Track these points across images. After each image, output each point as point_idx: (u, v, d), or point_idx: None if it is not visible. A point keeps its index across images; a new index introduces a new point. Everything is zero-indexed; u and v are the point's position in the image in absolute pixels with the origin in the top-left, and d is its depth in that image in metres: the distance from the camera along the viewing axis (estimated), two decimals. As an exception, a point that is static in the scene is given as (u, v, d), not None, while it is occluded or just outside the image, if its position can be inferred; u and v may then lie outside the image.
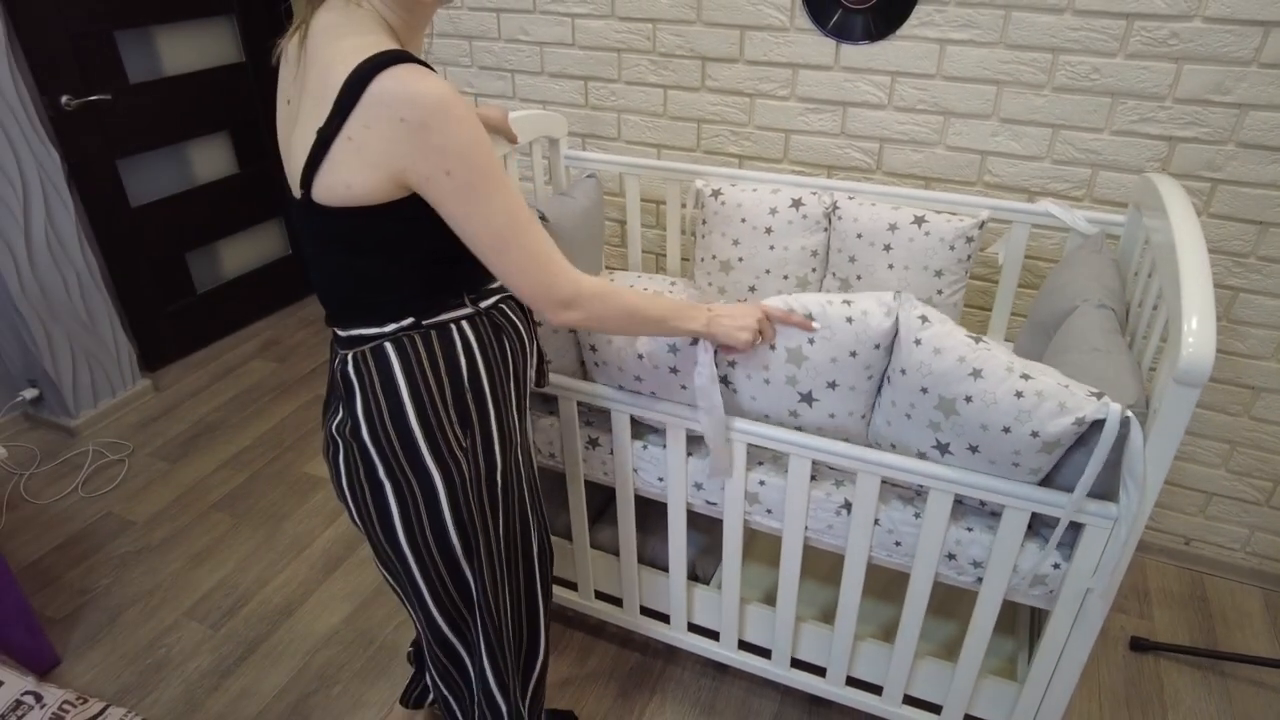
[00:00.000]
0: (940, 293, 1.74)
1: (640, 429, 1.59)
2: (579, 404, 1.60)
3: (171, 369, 3.00)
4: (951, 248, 1.70)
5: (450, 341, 1.09)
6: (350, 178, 0.94)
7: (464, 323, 1.11)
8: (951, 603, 1.83)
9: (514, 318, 1.20)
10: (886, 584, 1.89)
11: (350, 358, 1.08)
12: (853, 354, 1.28)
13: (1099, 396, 1.14)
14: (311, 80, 0.96)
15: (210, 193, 3.04)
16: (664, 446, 1.55)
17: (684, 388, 1.41)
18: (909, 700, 1.60)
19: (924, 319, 1.23)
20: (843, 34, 1.88)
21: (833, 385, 1.32)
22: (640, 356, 1.41)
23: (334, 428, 1.13)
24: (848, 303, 1.28)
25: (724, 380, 1.41)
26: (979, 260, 2.01)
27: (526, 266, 1.01)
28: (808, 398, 1.35)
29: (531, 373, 1.28)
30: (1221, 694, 1.81)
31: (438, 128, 0.90)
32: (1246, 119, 1.66)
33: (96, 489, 2.44)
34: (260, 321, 3.38)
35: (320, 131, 0.93)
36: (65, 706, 1.71)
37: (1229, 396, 1.92)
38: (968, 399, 1.20)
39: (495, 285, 1.18)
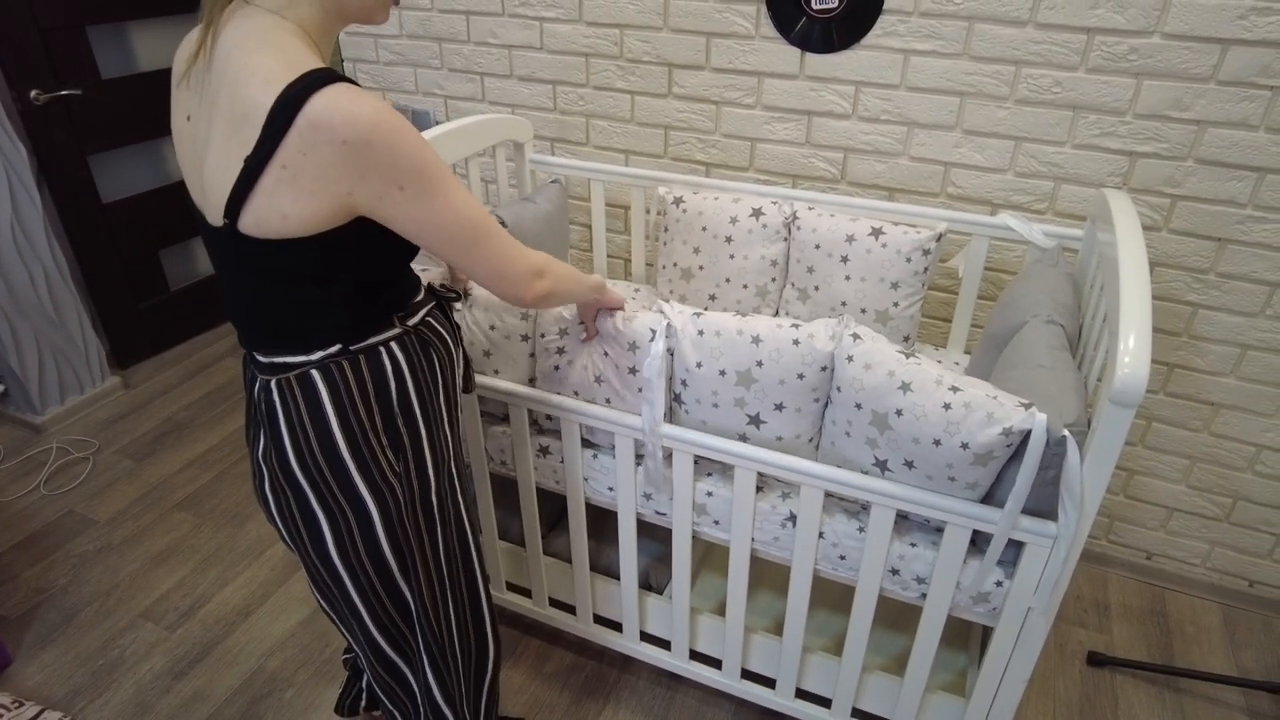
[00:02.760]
0: (896, 305, 1.73)
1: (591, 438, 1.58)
2: (530, 412, 1.59)
3: (143, 366, 2.98)
4: (908, 260, 1.70)
5: (380, 366, 1.06)
6: (286, 207, 0.89)
7: (393, 344, 1.08)
8: (905, 617, 1.83)
9: (440, 329, 1.18)
10: (842, 596, 1.89)
11: (274, 385, 1.04)
12: (800, 376, 1.28)
13: (1027, 407, 1.14)
14: (223, 100, 0.90)
15: (185, 190, 3.03)
16: (614, 456, 1.54)
17: (641, 390, 1.41)
18: (858, 714, 1.60)
19: (855, 336, 1.23)
20: (807, 43, 1.87)
21: (780, 407, 1.32)
22: (605, 354, 1.40)
23: (259, 456, 1.09)
24: (796, 326, 1.28)
25: (676, 399, 1.41)
26: (940, 271, 2.00)
27: (495, 256, 1.03)
28: (755, 420, 1.35)
29: (459, 379, 1.27)
30: (1176, 710, 1.81)
31: (383, 145, 0.88)
32: (1205, 135, 1.66)
33: (59, 487, 2.43)
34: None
35: (248, 160, 0.88)
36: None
37: (1189, 412, 1.92)
38: (899, 413, 1.19)
39: (421, 298, 1.15)
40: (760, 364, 1.30)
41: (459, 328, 1.32)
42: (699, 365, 1.34)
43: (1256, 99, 1.59)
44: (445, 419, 1.19)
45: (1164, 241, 1.78)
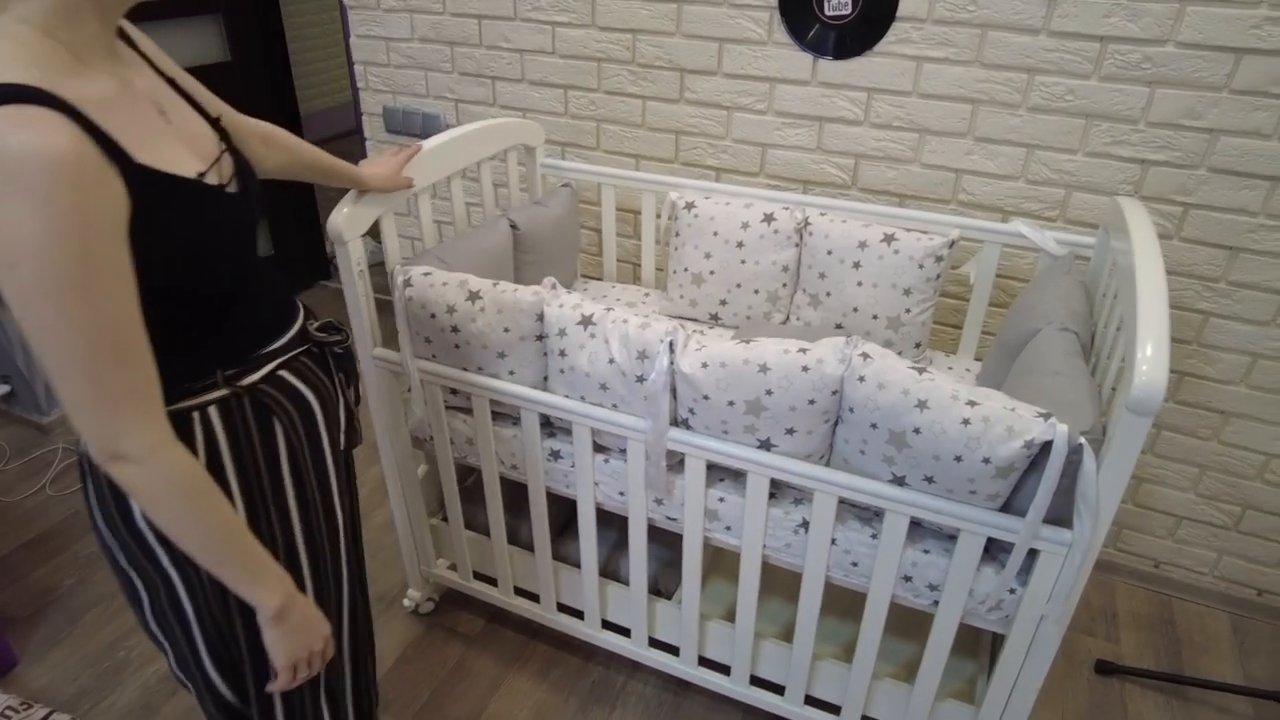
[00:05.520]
0: (909, 311, 1.73)
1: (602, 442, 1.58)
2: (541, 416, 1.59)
3: (149, 367, 2.98)
4: (920, 266, 1.70)
5: (187, 434, 0.89)
6: None
7: (211, 410, 0.91)
8: (915, 624, 1.82)
9: (299, 386, 1.01)
10: (852, 603, 1.88)
11: (80, 441, 0.90)
12: (811, 401, 1.28)
13: (1046, 417, 1.14)
14: None
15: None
16: (625, 460, 1.54)
17: (646, 399, 1.40)
18: (867, 720, 1.60)
19: (865, 356, 1.23)
20: (820, 49, 1.88)
21: (790, 431, 1.32)
22: (611, 361, 1.40)
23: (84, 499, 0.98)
24: (804, 351, 1.28)
25: (684, 424, 1.41)
26: (952, 278, 2.00)
27: (86, 402, 0.76)
28: (766, 444, 1.35)
29: (340, 436, 1.12)
30: (1185, 719, 1.80)
31: (7, 201, 0.67)
32: (1218, 144, 1.66)
33: (65, 487, 2.42)
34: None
35: None
36: (8, 711, 1.69)
37: (1199, 420, 1.92)
38: (916, 431, 1.19)
39: (275, 347, 0.99)
40: (770, 392, 1.29)
41: (351, 375, 1.17)
42: (706, 397, 1.34)
43: (1270, 108, 1.59)
44: (295, 491, 1.01)
45: (1175, 250, 1.78)
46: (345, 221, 1.50)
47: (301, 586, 1.02)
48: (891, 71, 1.85)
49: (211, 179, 0.88)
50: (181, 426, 0.88)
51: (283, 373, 0.99)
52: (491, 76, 2.30)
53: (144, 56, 0.94)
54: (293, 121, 3.37)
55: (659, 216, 2.14)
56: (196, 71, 3.30)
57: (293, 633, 0.94)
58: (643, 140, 2.19)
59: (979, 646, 1.73)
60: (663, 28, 2.03)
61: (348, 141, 5.16)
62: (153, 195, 0.78)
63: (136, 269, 0.76)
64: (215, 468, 0.92)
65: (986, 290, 1.81)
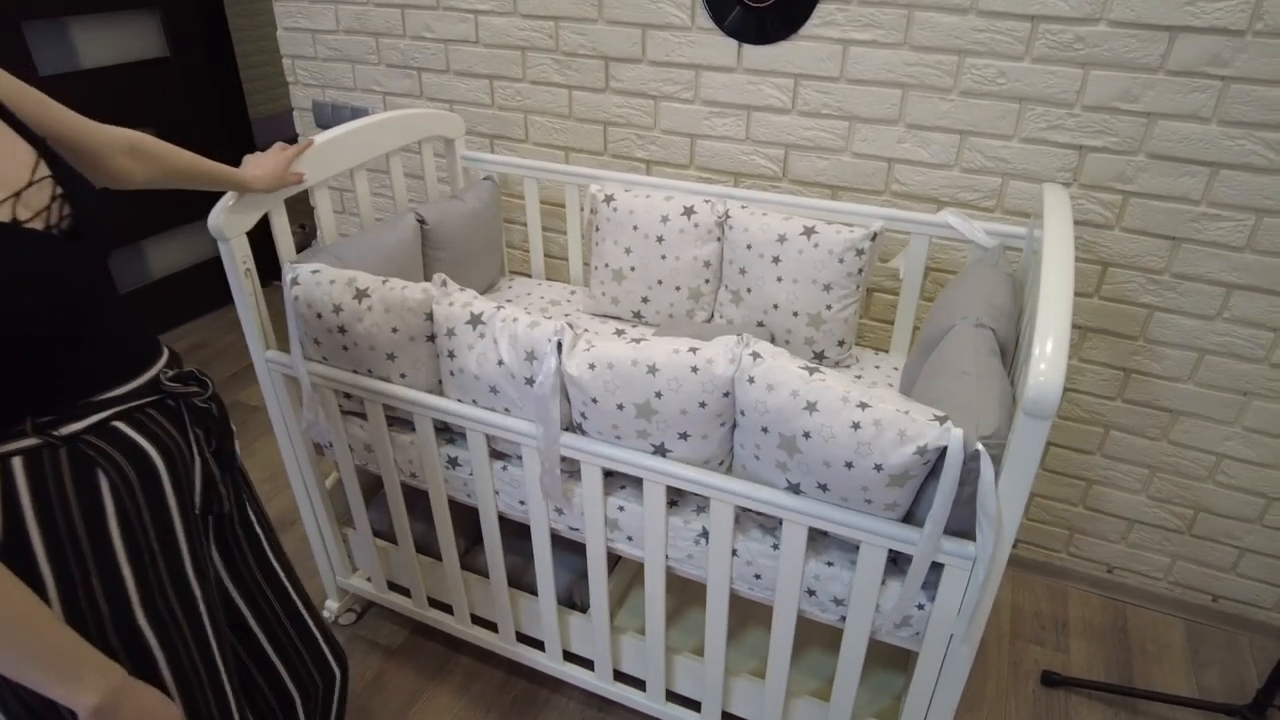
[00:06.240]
0: (830, 308, 1.64)
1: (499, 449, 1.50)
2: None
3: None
4: (840, 260, 1.61)
5: None
6: None
7: (15, 461, 0.80)
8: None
9: (138, 439, 0.90)
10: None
11: None
12: (702, 404, 1.19)
13: (942, 421, 1.05)
14: None
15: (134, 191, 2.95)
16: (523, 467, 1.46)
17: (537, 403, 1.32)
18: (787, 739, 1.51)
19: (756, 355, 1.14)
20: (744, 33, 1.79)
21: (684, 436, 1.23)
22: (500, 363, 1.32)
23: None
24: (694, 350, 1.19)
25: (578, 429, 1.33)
26: (884, 273, 1.92)
27: None
28: (660, 449, 1.27)
29: (194, 499, 0.99)
30: (1130, 734, 1.72)
31: None
32: (1155, 128, 1.57)
33: None
34: (190, 323, 3.29)
35: None
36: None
37: (1147, 420, 1.83)
38: (806, 435, 1.11)
39: (109, 396, 0.88)
40: (659, 395, 1.21)
41: (216, 431, 1.03)
42: (595, 400, 1.25)
43: (1207, 89, 1.51)
44: (129, 564, 0.88)
45: (1117, 240, 1.69)
46: (226, 220, 1.42)
47: (152, 667, 0.90)
48: (817, 56, 1.76)
49: (0, 215, 0.78)
50: None
51: (118, 423, 0.88)
52: (417, 68, 2.22)
53: None
54: (239, 123, 3.28)
55: (583, 210, 2.05)
56: (133, 68, 3.19)
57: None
58: (571, 132, 2.10)
59: (910, 661, 1.65)
60: (585, 14, 1.94)
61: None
62: None
63: None
64: (14, 532, 0.80)
65: (916, 284, 1.73)
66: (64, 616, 0.84)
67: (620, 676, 1.64)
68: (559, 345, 1.27)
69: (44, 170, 0.85)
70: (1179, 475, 1.85)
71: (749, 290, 1.70)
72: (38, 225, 0.81)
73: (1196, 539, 1.90)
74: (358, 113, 2.35)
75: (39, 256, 0.80)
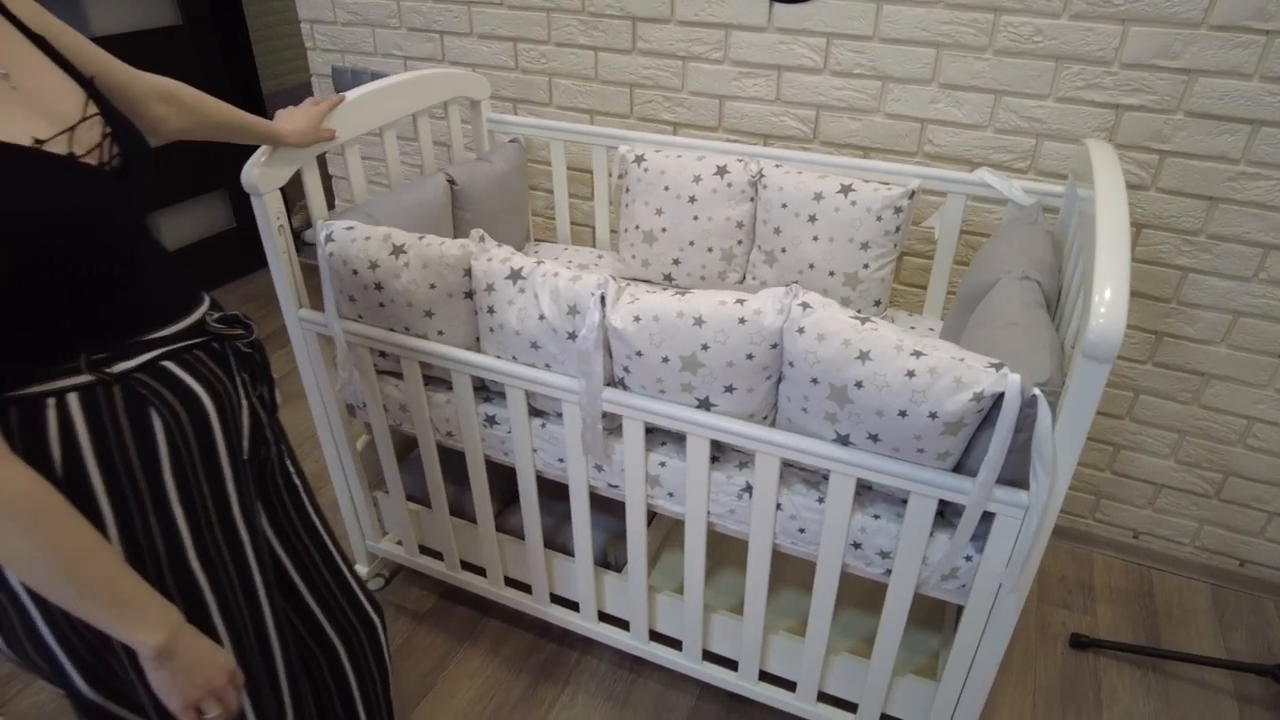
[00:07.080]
0: (867, 266, 1.63)
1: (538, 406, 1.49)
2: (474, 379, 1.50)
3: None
4: (879, 219, 1.60)
5: (38, 424, 0.78)
6: None
7: (70, 397, 0.80)
8: (876, 596, 1.74)
9: (189, 380, 0.89)
10: (810, 573, 1.80)
11: None
12: (749, 356, 1.18)
13: (998, 368, 1.04)
14: None
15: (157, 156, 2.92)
16: (563, 424, 1.45)
17: (579, 357, 1.31)
18: (825, 698, 1.52)
19: (805, 305, 1.13)
20: (776, -8, 1.77)
21: (730, 389, 1.22)
22: (541, 317, 1.31)
23: None
24: (741, 302, 1.18)
25: (620, 384, 1.32)
26: (917, 235, 1.91)
27: None
28: (705, 403, 1.26)
29: (243, 444, 0.98)
30: (1161, 694, 1.72)
31: None
32: (1195, 86, 1.56)
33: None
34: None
35: None
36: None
37: (1178, 383, 1.82)
38: (858, 384, 1.10)
39: (158, 336, 0.87)
40: (706, 347, 1.20)
41: (260, 377, 1.03)
42: (639, 354, 1.24)
43: (1250, 45, 1.49)
44: (181, 505, 0.87)
45: (1152, 201, 1.68)
46: (260, 174, 1.41)
47: (203, 611, 0.90)
48: (850, 14, 1.74)
49: (57, 147, 0.77)
50: (33, 416, 0.77)
51: (167, 363, 0.87)
52: (439, 31, 2.19)
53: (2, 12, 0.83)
54: (252, 95, 3.25)
55: (610, 174, 2.03)
56: (143, 36, 3.16)
57: (184, 672, 0.82)
58: (596, 95, 2.08)
59: (944, 619, 1.65)
60: (613, -27, 1.92)
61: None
62: None
63: None
64: (74, 468, 0.80)
65: (952, 245, 1.71)
66: (124, 554, 0.84)
67: (654, 636, 1.64)
68: (602, 299, 1.26)
69: (93, 108, 0.85)
70: (1209, 439, 1.85)
71: (783, 250, 1.69)
72: (91, 161, 0.81)
73: (1225, 503, 1.91)
74: (378, 78, 2.32)
75: (95, 191, 0.80)
